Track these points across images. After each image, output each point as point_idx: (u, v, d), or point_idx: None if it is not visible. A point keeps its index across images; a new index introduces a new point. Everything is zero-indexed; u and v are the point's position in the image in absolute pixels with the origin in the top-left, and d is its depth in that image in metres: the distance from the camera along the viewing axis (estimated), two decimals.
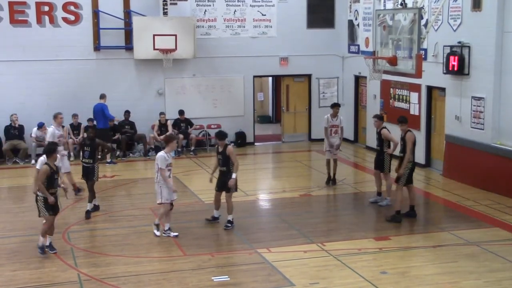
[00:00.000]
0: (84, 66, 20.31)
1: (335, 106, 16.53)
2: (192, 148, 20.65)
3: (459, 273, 10.46)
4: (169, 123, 20.62)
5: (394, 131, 15.32)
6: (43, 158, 11.88)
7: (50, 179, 11.16)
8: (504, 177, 14.97)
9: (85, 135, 15.04)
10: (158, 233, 12.37)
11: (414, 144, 13.30)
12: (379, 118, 14.86)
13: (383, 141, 14.52)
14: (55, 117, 15.63)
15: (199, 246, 11.90)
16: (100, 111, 19.26)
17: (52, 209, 11.31)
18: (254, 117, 22.52)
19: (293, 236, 12.41)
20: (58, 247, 11.77)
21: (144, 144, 20.34)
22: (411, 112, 18.27)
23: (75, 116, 19.86)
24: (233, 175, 12.68)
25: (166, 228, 12.41)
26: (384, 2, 19.52)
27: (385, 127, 14.65)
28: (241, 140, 21.84)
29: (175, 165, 19.10)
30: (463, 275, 10.37)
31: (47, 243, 11.47)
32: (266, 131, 24.32)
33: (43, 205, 11.25)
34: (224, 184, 12.81)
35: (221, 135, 12.94)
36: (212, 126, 21.39)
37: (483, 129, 15.75)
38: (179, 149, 20.31)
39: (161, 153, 12.17)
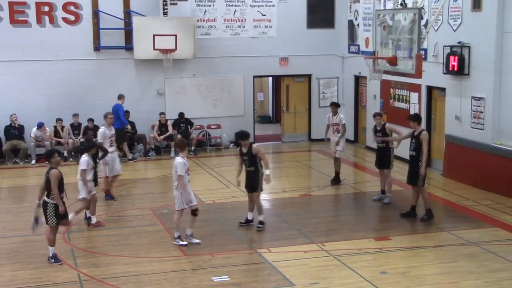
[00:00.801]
0: (84, 66, 20.31)
1: (332, 105, 16.57)
2: (193, 148, 20.64)
3: (459, 273, 10.46)
4: (169, 123, 20.62)
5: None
6: (87, 157, 12.67)
7: (60, 184, 10.78)
8: (504, 177, 14.96)
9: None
10: (197, 240, 11.88)
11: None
12: (380, 115, 15.11)
13: (387, 136, 14.62)
14: (105, 117, 15.25)
15: (199, 246, 11.90)
16: (115, 112, 19.30)
17: (61, 217, 10.88)
18: (254, 117, 22.53)
19: (293, 236, 12.41)
20: (58, 247, 11.77)
21: (144, 144, 20.33)
22: (411, 112, 18.23)
23: (75, 115, 19.87)
24: (266, 172, 12.47)
25: (176, 236, 11.91)
26: (384, 2, 19.52)
27: (386, 122, 14.98)
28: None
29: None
30: (463, 275, 10.37)
31: (52, 253, 11.04)
32: (266, 131, 24.32)
33: (54, 213, 10.78)
34: (254, 184, 12.63)
35: (243, 135, 12.52)
36: (212, 126, 21.40)
37: (483, 129, 15.75)
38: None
39: (180, 159, 11.57)
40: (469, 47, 15.92)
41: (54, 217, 10.82)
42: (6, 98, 19.67)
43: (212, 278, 10.33)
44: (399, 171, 16.01)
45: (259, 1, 21.67)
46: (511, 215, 13.60)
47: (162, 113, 20.58)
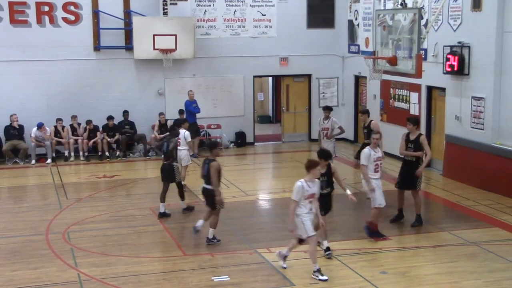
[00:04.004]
0: (84, 66, 20.31)
1: (325, 109, 16.13)
2: (196, 151, 20.47)
3: (459, 273, 10.46)
4: (169, 123, 20.59)
5: (393, 131, 15.32)
6: (187, 133, 14.99)
7: (219, 175, 11.66)
8: (504, 177, 14.96)
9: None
10: (284, 265, 10.69)
11: None
12: (364, 112, 15.31)
13: (370, 133, 14.69)
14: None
15: (199, 246, 11.90)
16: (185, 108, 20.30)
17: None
18: (254, 117, 22.53)
19: (293, 236, 12.36)
20: (58, 247, 11.79)
21: (144, 144, 20.34)
22: (411, 112, 18.26)
23: (74, 117, 19.84)
24: (348, 192, 11.23)
25: (316, 268, 10.31)
26: (384, 2, 19.52)
27: (372, 119, 15.18)
28: (241, 140, 21.85)
29: None
30: (463, 275, 10.37)
31: (212, 235, 11.87)
32: (266, 131, 24.31)
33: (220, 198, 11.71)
34: (328, 207, 11.25)
35: (326, 155, 11.11)
36: (212, 126, 21.39)
37: (483, 129, 15.75)
38: None
39: (299, 182, 10.18)
40: (469, 47, 15.92)
41: (221, 202, 11.77)
42: (6, 98, 19.67)
43: (212, 278, 10.33)
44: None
45: (259, 1, 21.66)
46: (511, 215, 13.60)
47: (161, 113, 20.58)
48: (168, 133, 20.19)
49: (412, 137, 12.98)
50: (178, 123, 15.40)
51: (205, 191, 11.94)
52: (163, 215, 13.66)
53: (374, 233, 12.11)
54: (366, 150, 12.16)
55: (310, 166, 10.25)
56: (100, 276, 10.43)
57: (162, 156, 14.01)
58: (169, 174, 13.66)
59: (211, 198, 11.77)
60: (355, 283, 10.11)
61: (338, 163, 16.95)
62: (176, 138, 14.26)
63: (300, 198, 10.10)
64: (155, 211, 14.15)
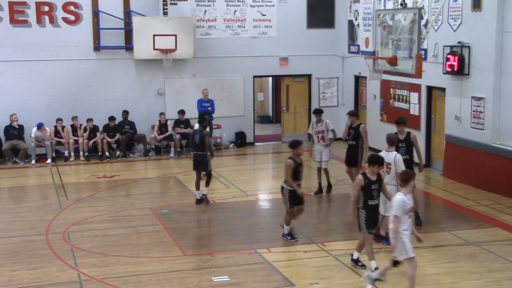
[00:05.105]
0: (84, 66, 20.31)
1: (316, 112, 15.64)
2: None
3: (459, 273, 10.47)
4: (169, 123, 20.63)
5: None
6: None
7: (296, 173, 11.72)
8: (504, 177, 14.96)
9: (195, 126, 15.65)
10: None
11: None
12: (352, 114, 15.15)
13: (359, 136, 14.70)
14: (393, 141, 11.88)
15: (199, 246, 11.91)
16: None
17: (296, 202, 11.88)
18: (254, 117, 22.53)
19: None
20: (58, 247, 11.79)
21: (144, 144, 20.33)
22: (411, 112, 18.27)
23: (75, 118, 19.82)
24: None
25: None
26: (384, 2, 19.52)
27: (362, 123, 15.13)
28: (241, 140, 21.85)
29: (176, 165, 19.10)
30: (463, 275, 10.38)
31: (287, 232, 12.08)
32: (266, 131, 24.31)
33: (288, 197, 11.85)
34: (377, 222, 10.74)
35: (380, 160, 10.36)
36: (212, 126, 21.36)
37: (483, 129, 15.75)
38: (179, 149, 20.37)
39: (399, 196, 9.11)
40: (469, 47, 15.92)
41: (288, 201, 11.89)
42: (6, 98, 19.66)
43: (212, 278, 10.33)
44: None
45: (259, 1, 21.67)
46: (511, 215, 13.60)
47: (162, 114, 20.59)
48: (168, 130, 20.31)
49: (401, 137, 12.96)
50: (203, 118, 15.33)
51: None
52: (200, 202, 14.54)
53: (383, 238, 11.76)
54: (399, 156, 11.62)
55: (409, 177, 9.22)
56: (100, 276, 10.43)
57: (191, 148, 15.37)
58: (202, 163, 14.49)
59: (284, 196, 11.97)
60: (355, 283, 10.11)
61: (338, 163, 16.95)
62: (206, 130, 14.81)
63: (402, 213, 9.08)
64: (155, 211, 14.16)
